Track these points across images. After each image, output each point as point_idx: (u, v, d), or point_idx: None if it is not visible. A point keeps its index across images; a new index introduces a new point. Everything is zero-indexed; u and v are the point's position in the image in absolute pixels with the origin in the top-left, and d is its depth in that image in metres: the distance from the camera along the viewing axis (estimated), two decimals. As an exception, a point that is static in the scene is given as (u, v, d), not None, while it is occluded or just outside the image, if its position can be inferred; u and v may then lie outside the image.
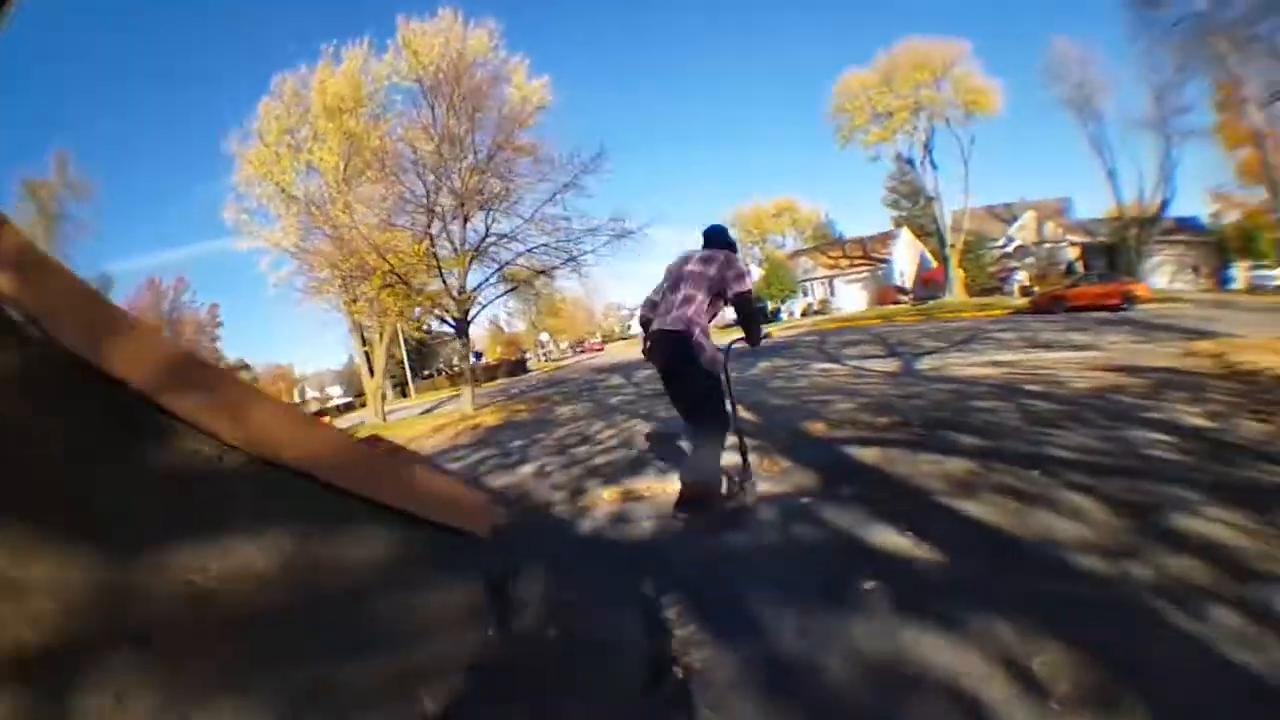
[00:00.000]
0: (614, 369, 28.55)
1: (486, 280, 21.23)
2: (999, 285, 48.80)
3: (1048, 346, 14.36)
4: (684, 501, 4.56)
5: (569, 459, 8.17)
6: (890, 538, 3.97)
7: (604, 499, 5.78)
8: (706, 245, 5.03)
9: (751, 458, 5.11)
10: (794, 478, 5.58)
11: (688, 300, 4.54)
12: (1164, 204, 40.63)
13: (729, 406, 4.76)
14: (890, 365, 13.77)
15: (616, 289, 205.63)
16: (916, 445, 6.14)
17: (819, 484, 5.31)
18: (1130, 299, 26.32)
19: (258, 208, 29.45)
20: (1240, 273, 42.39)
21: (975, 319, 28.07)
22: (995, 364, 12.02)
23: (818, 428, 7.44)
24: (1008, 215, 56.81)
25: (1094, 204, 60.17)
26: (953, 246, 47.31)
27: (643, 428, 9.64)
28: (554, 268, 21.57)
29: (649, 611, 3.36)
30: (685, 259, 4.83)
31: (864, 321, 34.14)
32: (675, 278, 4.74)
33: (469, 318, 21.06)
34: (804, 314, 60.10)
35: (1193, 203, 69.57)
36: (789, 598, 3.31)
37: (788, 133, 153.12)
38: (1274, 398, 7.09)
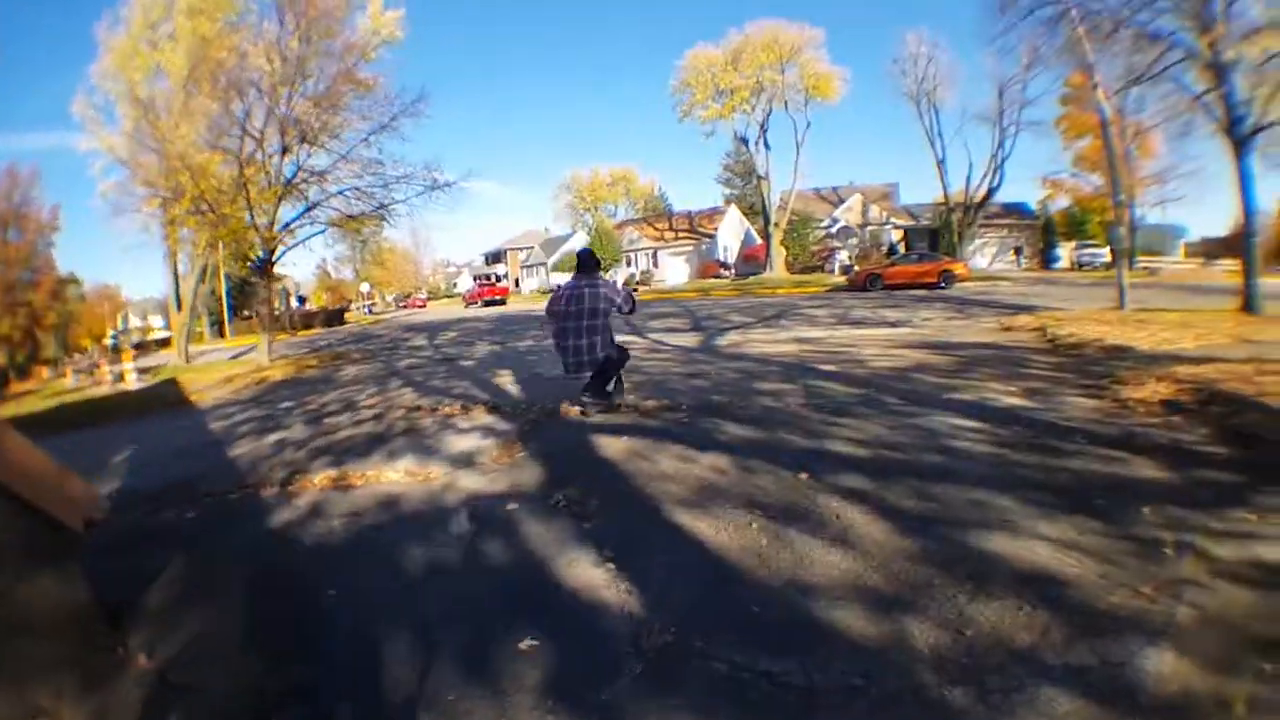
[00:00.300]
0: (424, 328, 27.79)
1: (295, 220, 19.64)
2: (820, 264, 50.04)
3: (858, 324, 14.21)
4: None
5: (317, 429, 7.62)
6: (584, 569, 3.17)
7: (314, 484, 5.21)
8: (580, 267, 7.07)
9: (488, 442, 5.87)
10: (518, 472, 4.97)
11: (592, 329, 6.60)
12: (990, 191, 42.91)
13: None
14: (691, 340, 13.30)
15: (446, 245, 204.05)
16: (673, 436, 5.50)
17: (540, 482, 4.66)
18: (949, 277, 27.04)
19: (105, 104, 25.64)
20: (1066, 252, 45.64)
21: (791, 295, 28.60)
22: (798, 340, 11.60)
23: (572, 411, 6.75)
24: (835, 198, 58.40)
25: (923, 192, 62.00)
26: (776, 225, 48.83)
27: (409, 398, 9.10)
28: (364, 215, 20.46)
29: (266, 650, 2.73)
30: (574, 288, 6.85)
31: (681, 295, 34.27)
32: (576, 307, 6.68)
33: (274, 257, 19.56)
34: (625, 284, 58.59)
35: (1022, 190, 74.60)
36: (422, 653, 2.54)
37: (632, 101, 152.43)
38: (1103, 370, 6.54)
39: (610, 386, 6.93)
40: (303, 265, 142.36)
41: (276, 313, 60.09)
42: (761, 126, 49.16)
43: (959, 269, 28.33)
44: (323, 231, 21.76)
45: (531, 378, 9.57)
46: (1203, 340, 8.36)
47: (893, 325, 13.02)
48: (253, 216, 18.24)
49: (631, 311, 7.10)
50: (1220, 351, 7.30)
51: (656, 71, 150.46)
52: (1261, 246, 14.52)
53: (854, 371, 7.77)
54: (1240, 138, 12.31)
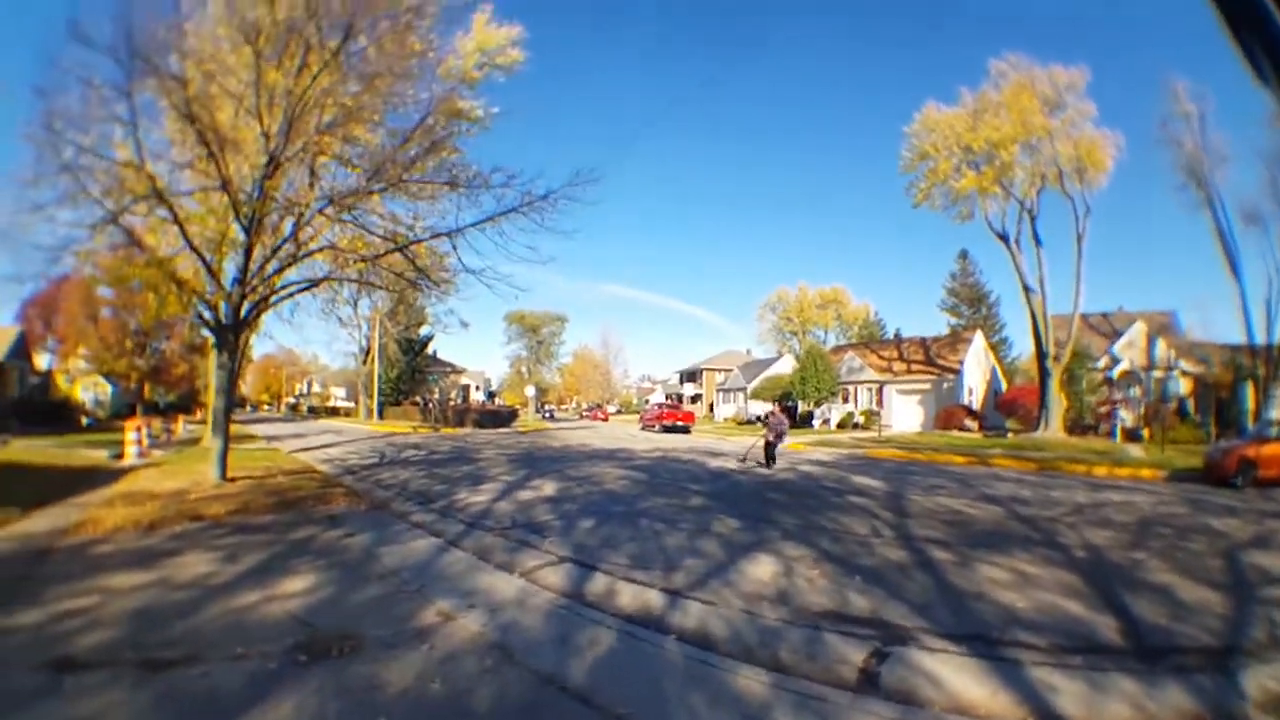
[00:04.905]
0: (553, 457, 22.99)
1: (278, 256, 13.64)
2: (1096, 423, 37.14)
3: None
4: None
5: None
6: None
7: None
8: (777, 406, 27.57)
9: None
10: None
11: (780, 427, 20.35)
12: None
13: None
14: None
15: (643, 361, 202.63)
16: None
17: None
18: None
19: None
20: None
21: (1111, 476, 19.14)
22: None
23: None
24: (1108, 328, 44.67)
25: (1207, 320, 47.52)
26: (1056, 360, 35.42)
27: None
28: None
29: None
30: (775, 415, 21.20)
31: (936, 456, 24.04)
32: (771, 422, 20.56)
33: (243, 317, 13.62)
34: (842, 425, 49.26)
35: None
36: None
37: (843, 216, 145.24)
38: None
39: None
40: (497, 362, 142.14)
41: (435, 404, 58.45)
42: (1030, 212, 36.08)
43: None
44: (312, 287, 15.13)
45: None
46: None
47: None
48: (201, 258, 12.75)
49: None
50: None
51: (870, 185, 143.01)
52: None
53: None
54: None
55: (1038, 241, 36.39)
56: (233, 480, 13.27)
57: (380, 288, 16.41)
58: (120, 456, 17.82)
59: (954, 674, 4.89)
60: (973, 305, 77.72)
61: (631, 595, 6.60)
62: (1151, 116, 37.37)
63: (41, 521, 9.07)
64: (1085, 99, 34.37)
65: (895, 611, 6.35)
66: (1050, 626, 5.99)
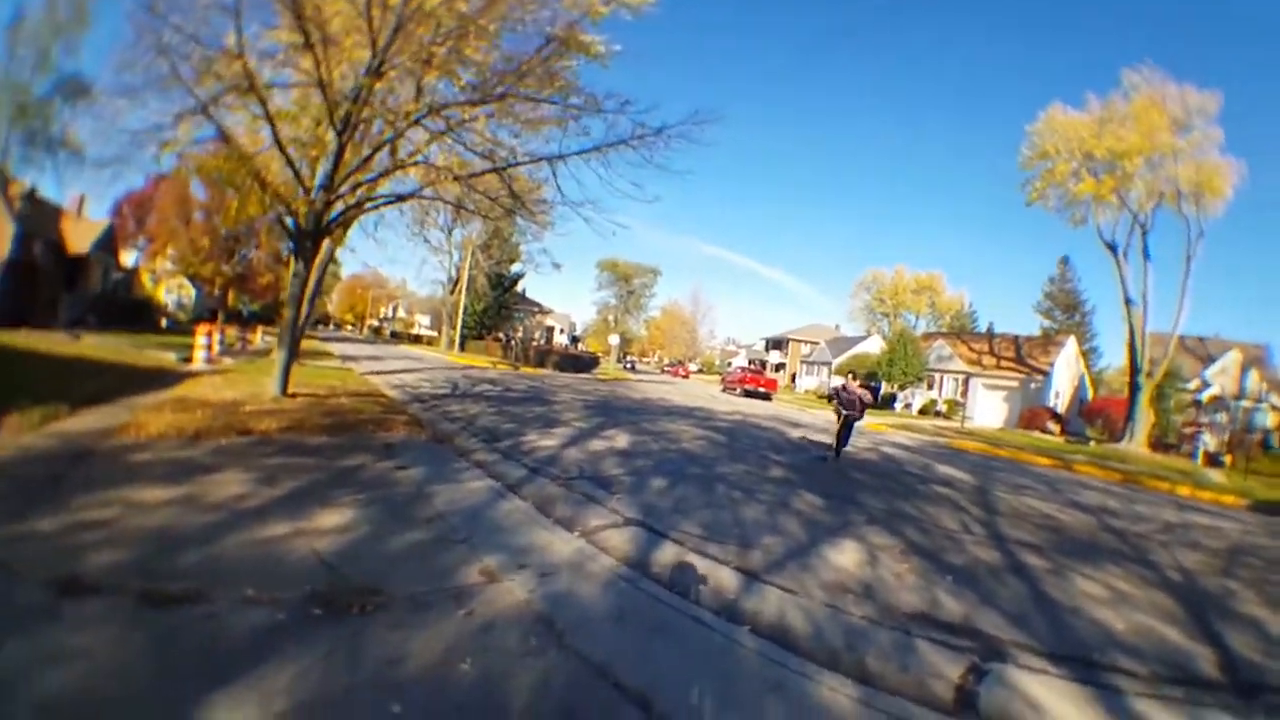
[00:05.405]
0: (633, 408, 22.32)
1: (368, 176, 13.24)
2: (1179, 443, 35.57)
3: None
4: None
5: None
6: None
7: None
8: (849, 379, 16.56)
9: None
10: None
11: (854, 404, 14.21)
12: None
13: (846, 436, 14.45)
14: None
15: (731, 324, 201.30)
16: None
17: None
18: None
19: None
20: None
21: (1193, 498, 18.00)
22: None
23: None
24: (1204, 352, 43.52)
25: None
26: (1149, 376, 33.96)
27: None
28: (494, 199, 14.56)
29: None
30: (848, 388, 14.54)
31: (1019, 454, 22.73)
32: (846, 397, 14.25)
33: (326, 223, 13.07)
34: (924, 411, 47.89)
35: None
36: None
37: (946, 201, 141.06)
38: None
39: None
40: (584, 307, 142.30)
41: (518, 342, 58.34)
42: (1142, 227, 34.31)
43: None
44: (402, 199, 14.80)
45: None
46: None
47: None
48: (292, 166, 12.14)
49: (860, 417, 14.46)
50: None
51: (983, 178, 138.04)
52: None
53: None
54: None
55: (1146, 256, 34.65)
56: (293, 396, 12.75)
57: (473, 213, 15.77)
58: (189, 360, 17.59)
59: (1056, 700, 4.33)
60: (1067, 311, 77.26)
61: (703, 571, 5.84)
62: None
63: (89, 420, 8.60)
64: (1214, 124, 32.73)
65: (989, 620, 5.68)
66: (1148, 652, 5.45)
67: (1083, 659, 5.07)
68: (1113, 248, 35.60)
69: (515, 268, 66.71)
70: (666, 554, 6.22)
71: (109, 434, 7.80)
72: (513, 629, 4.06)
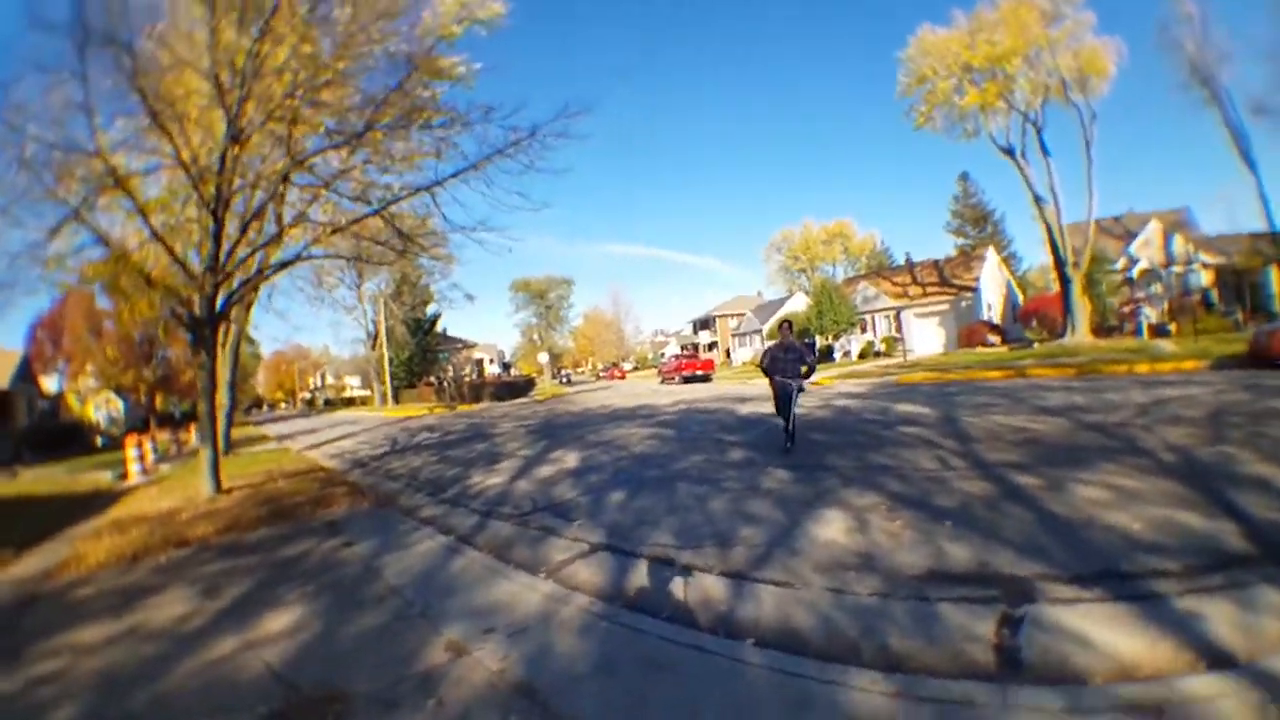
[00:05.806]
0: (571, 423, 21.45)
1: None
2: (1120, 323, 36.69)
3: None
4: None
5: None
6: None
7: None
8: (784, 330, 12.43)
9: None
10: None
11: (792, 366, 11.65)
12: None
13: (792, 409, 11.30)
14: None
15: (654, 316, 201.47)
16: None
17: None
18: None
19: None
20: None
21: (1154, 372, 18.27)
22: None
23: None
24: (1122, 230, 44.20)
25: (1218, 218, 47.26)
26: (1075, 266, 34.32)
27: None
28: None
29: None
30: (783, 345, 11.97)
31: (970, 374, 22.82)
32: (783, 357, 11.78)
33: (218, 307, 12.37)
34: (863, 355, 48.26)
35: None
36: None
37: (839, 147, 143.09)
38: None
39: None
40: (508, 332, 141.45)
41: (449, 382, 57.43)
42: (1035, 124, 34.92)
43: None
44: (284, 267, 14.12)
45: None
46: None
47: None
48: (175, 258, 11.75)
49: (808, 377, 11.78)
50: None
51: (866, 115, 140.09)
52: None
53: None
54: None
55: (1045, 152, 35.32)
56: (228, 491, 12.10)
57: (370, 262, 15.19)
58: (124, 477, 16.82)
59: (1102, 628, 4.01)
60: (977, 225, 79.81)
61: (685, 585, 5.38)
62: (1151, 20, 37.19)
63: (32, 562, 8.26)
64: (1083, 9, 33.48)
65: (1004, 558, 5.30)
66: (1174, 546, 5.21)
67: (1113, 573, 4.81)
68: (1010, 152, 36.26)
69: (431, 309, 65.85)
70: (640, 574, 5.76)
71: (51, 574, 7.54)
72: (490, 710, 3.57)
